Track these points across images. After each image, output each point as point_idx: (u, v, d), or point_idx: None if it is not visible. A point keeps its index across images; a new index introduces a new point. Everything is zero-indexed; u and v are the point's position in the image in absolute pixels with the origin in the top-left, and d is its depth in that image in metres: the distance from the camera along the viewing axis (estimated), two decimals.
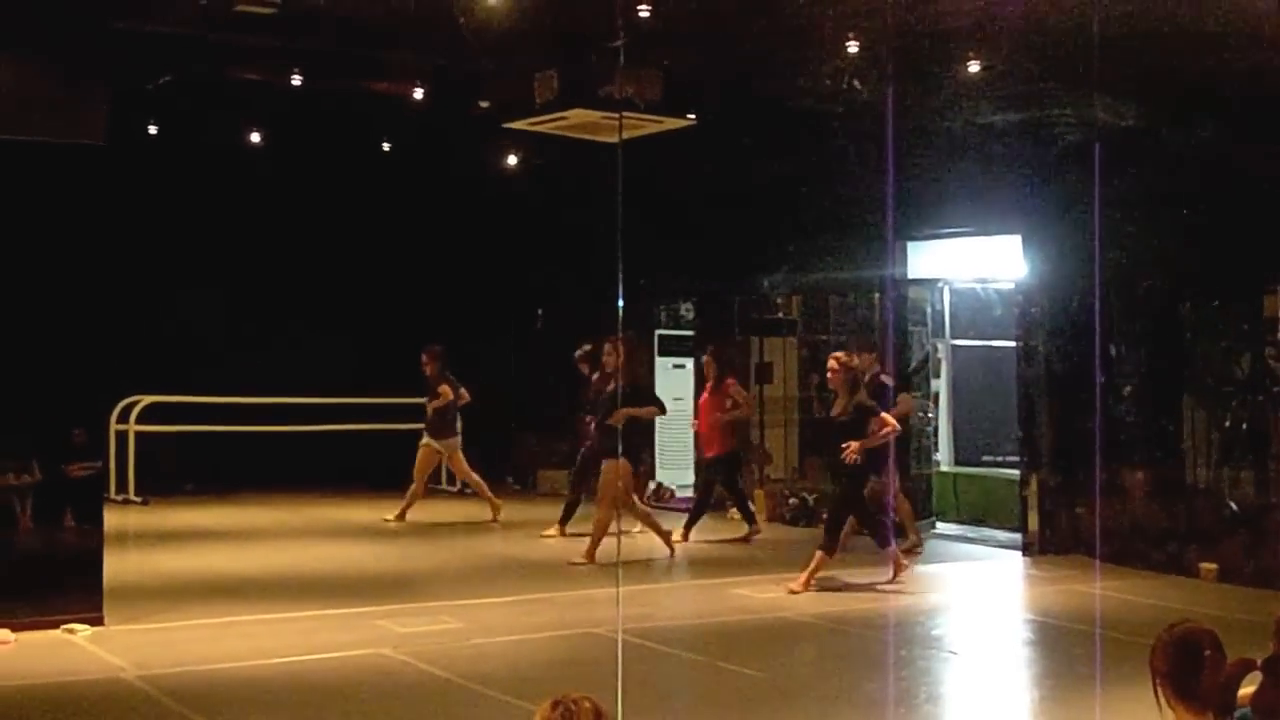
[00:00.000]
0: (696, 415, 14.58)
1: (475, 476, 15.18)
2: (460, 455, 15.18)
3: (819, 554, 11.16)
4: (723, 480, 14.29)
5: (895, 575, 11.55)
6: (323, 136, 16.21)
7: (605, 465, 12.32)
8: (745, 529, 14.10)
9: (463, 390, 15.03)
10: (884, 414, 11.48)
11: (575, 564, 12.22)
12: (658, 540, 12.96)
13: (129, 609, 9.79)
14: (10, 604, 9.10)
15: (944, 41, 10.71)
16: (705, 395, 14.32)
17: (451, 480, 18.17)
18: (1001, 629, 10.63)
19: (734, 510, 14.82)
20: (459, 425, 15.17)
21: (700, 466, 15.23)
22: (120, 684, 8.08)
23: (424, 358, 14.98)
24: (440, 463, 15.40)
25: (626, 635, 8.82)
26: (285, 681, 8.24)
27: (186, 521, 14.34)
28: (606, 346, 12.74)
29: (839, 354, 11.72)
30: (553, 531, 13.83)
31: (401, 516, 14.82)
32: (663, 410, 13.22)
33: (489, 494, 15.14)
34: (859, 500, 11.45)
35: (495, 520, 14.97)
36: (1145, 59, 10.79)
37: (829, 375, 11.60)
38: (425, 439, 15.09)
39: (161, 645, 9.03)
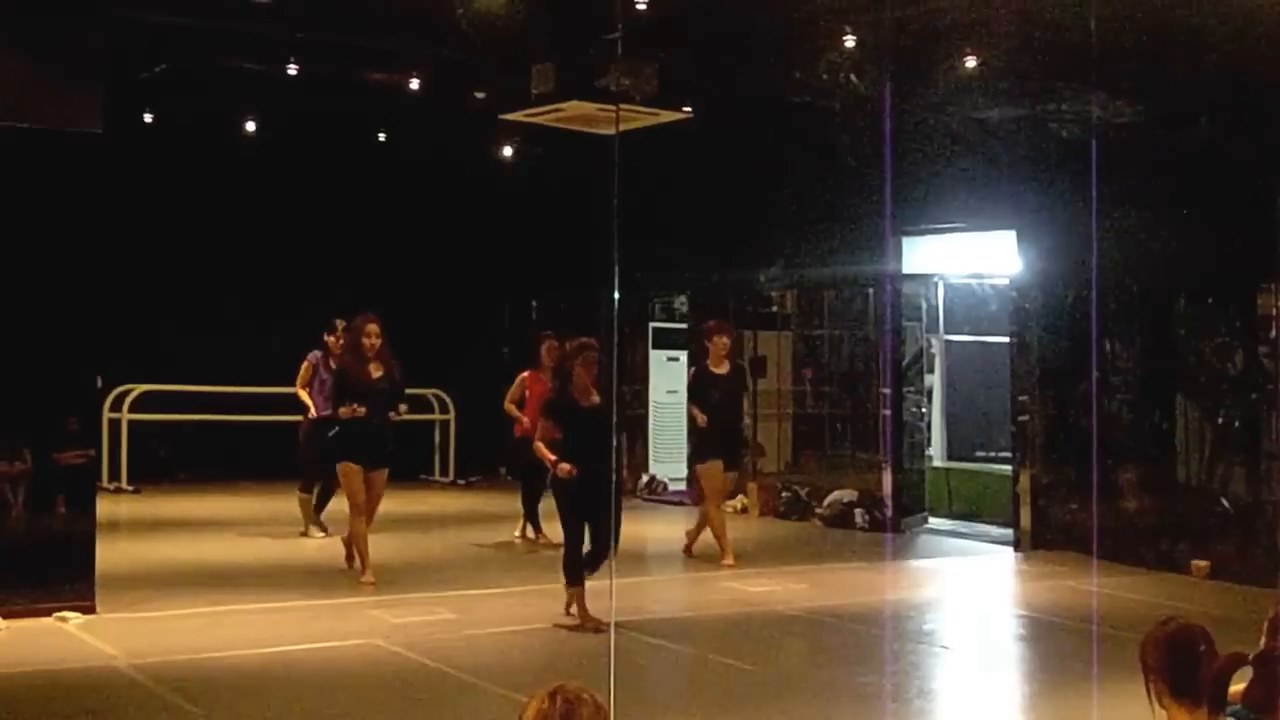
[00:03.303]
0: (523, 404, 12.74)
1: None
2: None
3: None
4: (524, 475, 12.78)
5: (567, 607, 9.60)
6: (319, 126, 16.19)
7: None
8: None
9: None
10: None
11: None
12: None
13: (121, 597, 9.78)
14: (2, 592, 9.10)
15: (941, 37, 10.72)
16: (540, 384, 12.50)
17: (444, 471, 18.19)
18: (994, 624, 10.63)
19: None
20: None
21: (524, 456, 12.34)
22: (112, 672, 8.07)
23: None
24: None
25: (618, 628, 8.83)
26: (277, 671, 8.24)
27: (179, 510, 14.32)
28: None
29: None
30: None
31: None
32: (347, 413, 10.72)
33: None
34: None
35: None
36: (1142, 57, 10.81)
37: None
38: None
39: (154, 633, 9.02)
